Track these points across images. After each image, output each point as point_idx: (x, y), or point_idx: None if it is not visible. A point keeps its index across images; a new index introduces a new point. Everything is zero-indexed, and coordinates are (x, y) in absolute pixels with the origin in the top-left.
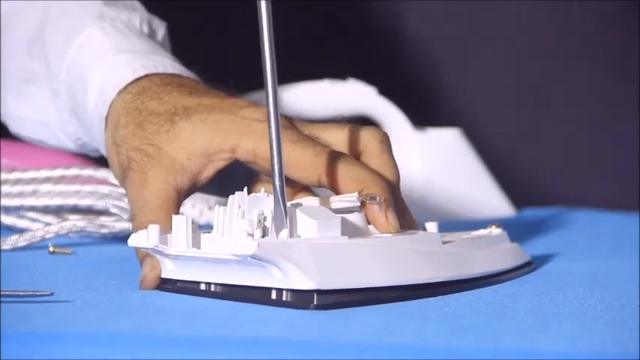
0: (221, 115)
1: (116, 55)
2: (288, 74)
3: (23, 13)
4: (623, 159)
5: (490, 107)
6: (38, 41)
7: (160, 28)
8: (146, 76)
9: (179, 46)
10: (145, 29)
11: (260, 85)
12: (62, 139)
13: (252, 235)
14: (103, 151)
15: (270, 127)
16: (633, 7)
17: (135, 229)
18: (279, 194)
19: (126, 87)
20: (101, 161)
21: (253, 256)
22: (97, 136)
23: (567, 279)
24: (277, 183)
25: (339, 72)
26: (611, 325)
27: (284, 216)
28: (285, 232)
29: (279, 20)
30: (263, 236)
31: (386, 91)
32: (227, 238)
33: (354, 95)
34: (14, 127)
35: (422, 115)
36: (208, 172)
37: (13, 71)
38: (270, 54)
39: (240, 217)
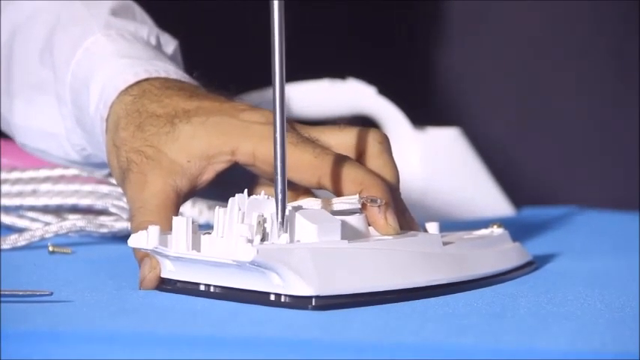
0: (221, 118)
1: (119, 59)
2: (288, 73)
3: (35, 22)
4: (623, 159)
5: (490, 107)
6: (48, 49)
7: (170, 44)
8: (147, 79)
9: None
10: (153, 41)
11: (258, 85)
12: (68, 150)
13: (251, 240)
14: (105, 157)
15: (275, 141)
16: (633, 6)
17: (133, 230)
18: (280, 202)
19: (127, 89)
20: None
21: (252, 263)
22: (99, 140)
23: (567, 278)
24: (279, 193)
25: (339, 71)
26: (611, 324)
27: (284, 223)
28: (284, 237)
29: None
30: (263, 240)
31: (386, 90)
32: (227, 241)
33: (354, 95)
34: (21, 138)
35: (421, 115)
36: (208, 175)
37: (24, 80)
38: (280, 60)
39: (240, 220)
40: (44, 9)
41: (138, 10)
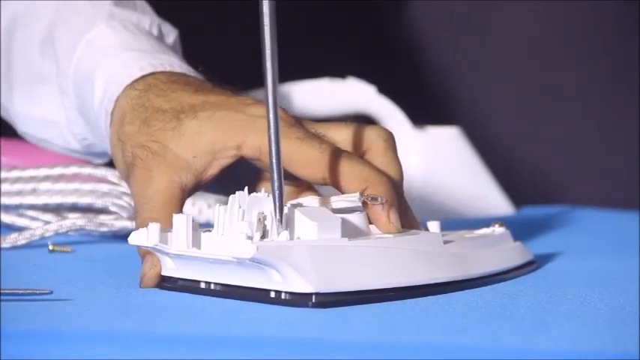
0: (227, 113)
1: (124, 52)
2: (288, 73)
3: (36, 12)
4: (623, 159)
5: (490, 105)
6: (49, 40)
7: (171, 34)
8: (153, 73)
9: (183, 45)
10: (155, 32)
11: (259, 84)
12: (68, 139)
13: (251, 237)
14: (109, 151)
15: (270, 139)
16: (633, 6)
17: (137, 227)
18: (277, 199)
19: (132, 84)
20: (107, 166)
21: (252, 260)
22: (102, 134)
23: (567, 278)
24: (276, 189)
25: (339, 70)
26: (611, 324)
27: (282, 220)
28: (284, 234)
29: (280, 19)
30: (263, 237)
31: (385, 89)
32: (227, 239)
33: (354, 94)
34: (21, 127)
35: (421, 114)
36: (213, 170)
37: (24, 71)
38: (272, 54)
39: (240, 217)
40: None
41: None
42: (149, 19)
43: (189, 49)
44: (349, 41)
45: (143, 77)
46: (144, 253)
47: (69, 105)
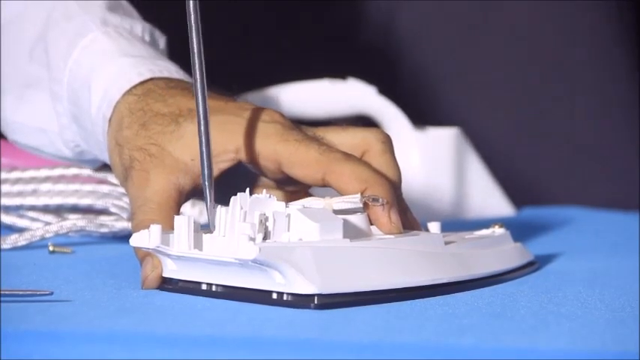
0: (225, 117)
1: (121, 58)
2: (289, 74)
3: (26, 16)
4: (623, 159)
5: (490, 105)
6: (40, 45)
7: (161, 40)
8: (151, 79)
9: (175, 51)
10: (147, 38)
11: (258, 85)
12: (59, 147)
13: (253, 239)
14: (102, 157)
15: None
16: (631, 6)
17: (134, 228)
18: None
19: (130, 89)
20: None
21: (254, 261)
22: (99, 140)
23: (567, 278)
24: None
25: (339, 71)
26: (611, 324)
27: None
28: (286, 235)
29: (281, 20)
30: (265, 238)
31: (386, 90)
32: (229, 240)
33: (354, 94)
34: (12, 135)
35: (422, 114)
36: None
37: (14, 75)
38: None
39: (242, 219)
40: (35, 4)
41: (125, 4)
42: (140, 25)
43: (182, 53)
44: (349, 42)
45: (141, 83)
46: (142, 255)
47: (62, 111)
